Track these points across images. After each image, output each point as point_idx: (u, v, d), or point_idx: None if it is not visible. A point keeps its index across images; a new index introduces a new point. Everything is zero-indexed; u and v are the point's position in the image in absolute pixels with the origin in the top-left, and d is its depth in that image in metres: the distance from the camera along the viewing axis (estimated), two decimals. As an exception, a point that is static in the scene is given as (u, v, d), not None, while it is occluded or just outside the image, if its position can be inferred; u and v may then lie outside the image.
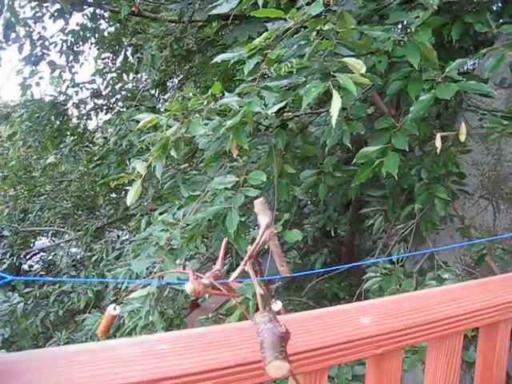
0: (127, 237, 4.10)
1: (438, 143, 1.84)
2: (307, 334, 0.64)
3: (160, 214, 1.98)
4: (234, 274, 0.60)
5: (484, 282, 0.94)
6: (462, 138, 1.95)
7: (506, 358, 0.94)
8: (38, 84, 3.68)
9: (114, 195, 4.86)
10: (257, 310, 0.57)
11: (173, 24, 4.09)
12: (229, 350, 0.58)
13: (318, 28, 1.57)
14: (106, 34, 4.06)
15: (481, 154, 3.57)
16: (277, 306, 0.70)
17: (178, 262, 1.90)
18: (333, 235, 3.17)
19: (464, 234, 2.48)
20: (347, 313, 0.72)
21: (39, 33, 3.41)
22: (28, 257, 4.83)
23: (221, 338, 0.60)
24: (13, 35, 3.17)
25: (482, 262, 2.24)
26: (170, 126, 1.63)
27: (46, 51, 3.45)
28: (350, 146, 1.59)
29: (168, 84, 4.42)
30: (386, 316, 0.72)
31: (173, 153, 1.70)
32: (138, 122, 2.54)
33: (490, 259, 2.23)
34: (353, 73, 1.31)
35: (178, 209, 1.75)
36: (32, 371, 0.50)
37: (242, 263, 0.59)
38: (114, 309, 0.63)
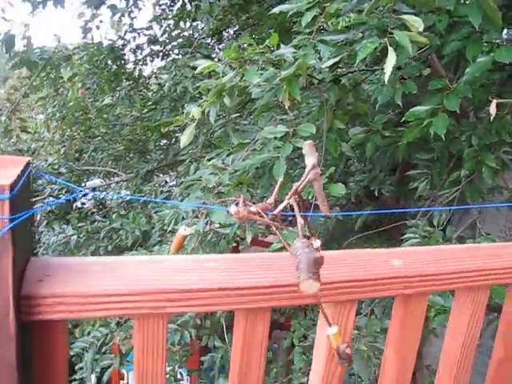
0: (174, 182, 4.25)
1: (493, 110, 1.81)
2: (340, 268, 0.70)
3: (209, 160, 2.06)
4: (280, 207, 0.67)
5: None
6: (520, 105, 1.91)
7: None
8: (98, 27, 3.79)
9: (164, 141, 5.00)
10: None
11: (232, -28, 4.04)
12: (270, 273, 0.65)
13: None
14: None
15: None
16: (316, 243, 0.77)
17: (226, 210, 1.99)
18: (376, 195, 3.18)
19: (512, 207, 2.45)
20: (380, 255, 0.78)
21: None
22: (81, 194, 5.09)
23: (259, 263, 0.68)
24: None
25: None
26: (226, 74, 1.68)
27: (107, -5, 3.54)
28: (400, 104, 1.60)
29: (224, 34, 4.43)
30: (417, 261, 0.78)
31: (226, 100, 1.75)
32: (192, 68, 2.60)
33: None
34: (411, 31, 1.31)
35: (228, 155, 1.82)
36: (114, 272, 0.59)
37: (287, 197, 0.65)
38: (185, 229, 0.71)
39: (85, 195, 4.88)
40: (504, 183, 2.39)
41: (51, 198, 4.10)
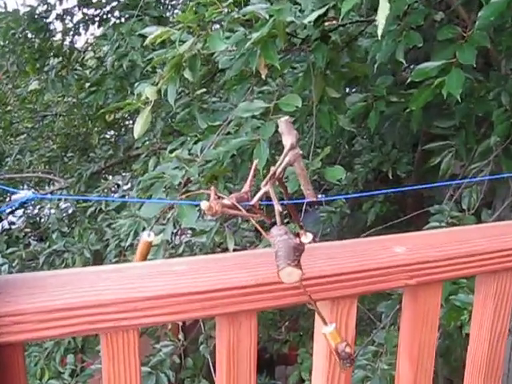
0: (129, 185, 4.34)
1: (523, 58, 1.95)
2: (331, 260, 0.81)
3: (172, 151, 2.17)
4: (258, 196, 0.78)
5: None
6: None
7: None
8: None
9: (111, 133, 5.09)
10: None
11: None
12: (247, 272, 0.77)
13: None
14: None
15: None
16: (307, 238, 0.88)
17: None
18: (393, 178, 3.31)
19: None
20: (380, 242, 0.89)
21: None
22: (8, 211, 5.16)
23: (239, 262, 0.79)
24: None
25: None
26: (184, 41, 1.79)
27: None
28: (403, 62, 1.72)
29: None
30: (423, 246, 0.89)
31: (187, 74, 1.86)
32: (142, 36, 2.70)
33: None
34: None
35: (195, 143, 1.93)
36: (73, 283, 0.70)
37: (263, 183, 0.76)
38: (149, 235, 0.82)
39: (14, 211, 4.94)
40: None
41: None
